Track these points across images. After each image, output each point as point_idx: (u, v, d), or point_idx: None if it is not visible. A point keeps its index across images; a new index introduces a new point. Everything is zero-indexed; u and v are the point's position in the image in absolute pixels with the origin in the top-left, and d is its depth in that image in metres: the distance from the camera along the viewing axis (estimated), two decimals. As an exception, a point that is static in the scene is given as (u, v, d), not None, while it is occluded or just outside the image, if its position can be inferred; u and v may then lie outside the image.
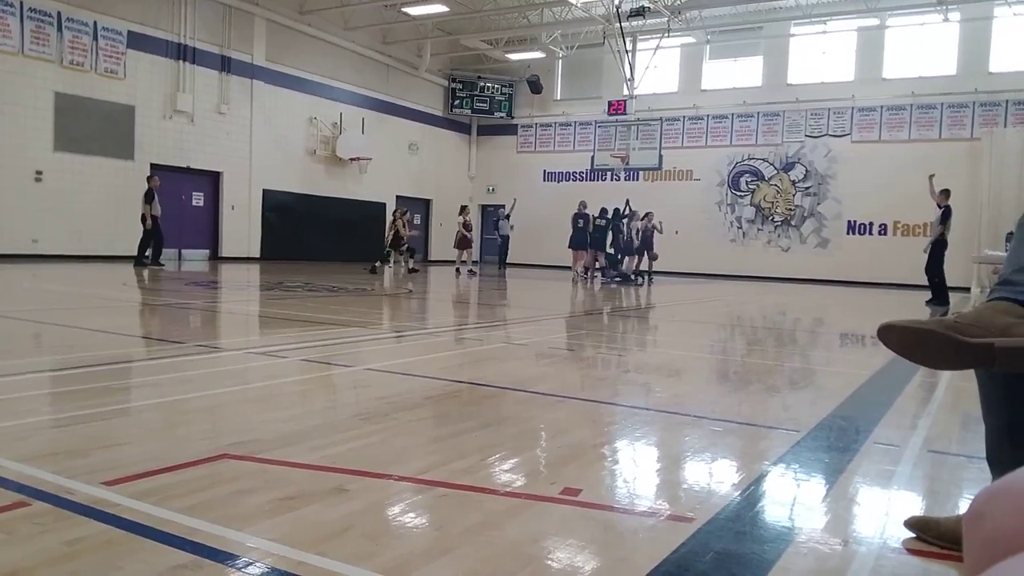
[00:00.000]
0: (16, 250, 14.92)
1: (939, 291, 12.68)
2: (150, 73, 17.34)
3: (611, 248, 18.52)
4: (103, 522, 1.93)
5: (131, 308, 8.18)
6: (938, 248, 12.73)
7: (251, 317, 7.98)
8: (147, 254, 15.14)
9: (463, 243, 18.88)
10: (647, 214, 18.44)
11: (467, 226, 18.90)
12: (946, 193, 12.86)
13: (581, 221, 17.63)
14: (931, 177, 13.11)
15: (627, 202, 18.72)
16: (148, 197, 15.13)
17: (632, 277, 17.69)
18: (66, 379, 4.01)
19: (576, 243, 17.70)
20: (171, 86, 17.85)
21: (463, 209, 19.46)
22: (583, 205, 18.01)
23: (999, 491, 0.78)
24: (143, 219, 15.09)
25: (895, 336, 1.72)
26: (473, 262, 19.58)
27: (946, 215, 12.74)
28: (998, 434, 1.89)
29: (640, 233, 17.98)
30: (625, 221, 18.21)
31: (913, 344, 1.70)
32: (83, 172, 16.13)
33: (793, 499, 2.44)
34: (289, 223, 20.68)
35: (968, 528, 0.80)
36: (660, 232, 18.45)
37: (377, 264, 17.33)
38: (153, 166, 17.45)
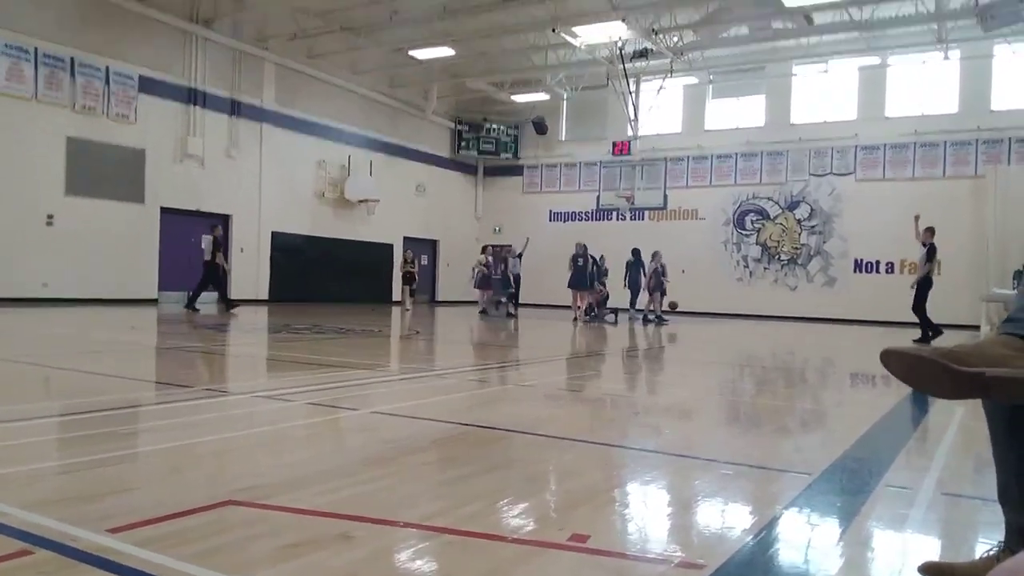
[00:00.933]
0: (26, 294, 15.00)
1: (923, 327, 12.76)
2: (161, 117, 17.59)
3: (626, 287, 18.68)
4: (107, 570, 1.91)
5: (140, 352, 8.19)
6: (924, 286, 12.74)
7: (258, 360, 7.97)
8: (230, 297, 15.93)
9: (484, 283, 18.86)
10: (655, 253, 18.46)
11: (488, 266, 18.91)
12: (930, 231, 12.92)
13: (580, 261, 17.63)
14: (916, 217, 13.12)
15: (601, 257, 19.00)
16: (216, 245, 15.74)
17: (654, 318, 17.55)
18: (73, 424, 4.00)
19: (576, 283, 17.69)
20: (181, 130, 18.09)
21: (485, 249, 19.52)
22: (580, 246, 17.94)
23: (1016, 574, 0.75)
24: (217, 267, 15.69)
25: (894, 361, 1.79)
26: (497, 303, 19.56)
27: (931, 253, 12.76)
28: (1007, 469, 1.88)
29: (655, 273, 17.95)
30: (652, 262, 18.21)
31: (910, 370, 1.76)
32: (94, 216, 16.27)
33: (805, 544, 2.40)
34: (297, 265, 20.78)
35: None
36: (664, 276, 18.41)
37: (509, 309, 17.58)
38: (163, 209, 17.64)
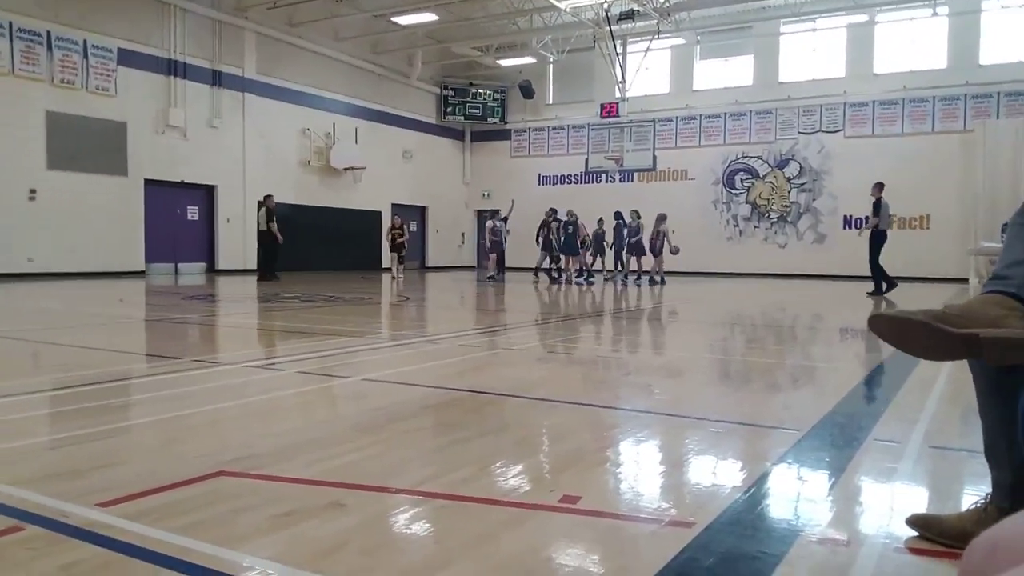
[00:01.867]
0: (11, 269, 14.90)
1: (876, 280, 13.24)
2: (141, 89, 17.35)
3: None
4: (98, 545, 1.91)
5: (127, 324, 8.15)
6: (875, 239, 13.14)
7: (248, 330, 7.95)
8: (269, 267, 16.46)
9: (495, 249, 18.73)
10: (629, 212, 18.49)
11: (496, 232, 18.65)
12: (879, 186, 13.28)
13: (571, 227, 17.90)
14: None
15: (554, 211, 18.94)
16: (270, 216, 16.32)
17: (659, 278, 17.62)
18: (62, 399, 3.99)
19: (567, 248, 18.03)
20: (163, 101, 17.85)
21: (495, 214, 19.22)
22: (571, 213, 18.23)
23: (997, 546, 0.74)
24: (267, 236, 16.33)
25: (884, 326, 1.76)
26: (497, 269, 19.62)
27: (875, 208, 13.14)
28: (993, 429, 1.89)
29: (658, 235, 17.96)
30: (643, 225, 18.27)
31: (901, 334, 1.73)
32: (77, 189, 16.12)
33: (794, 500, 2.42)
34: (284, 234, 20.57)
35: None
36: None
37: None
38: (147, 182, 17.48)
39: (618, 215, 19.02)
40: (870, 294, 13.17)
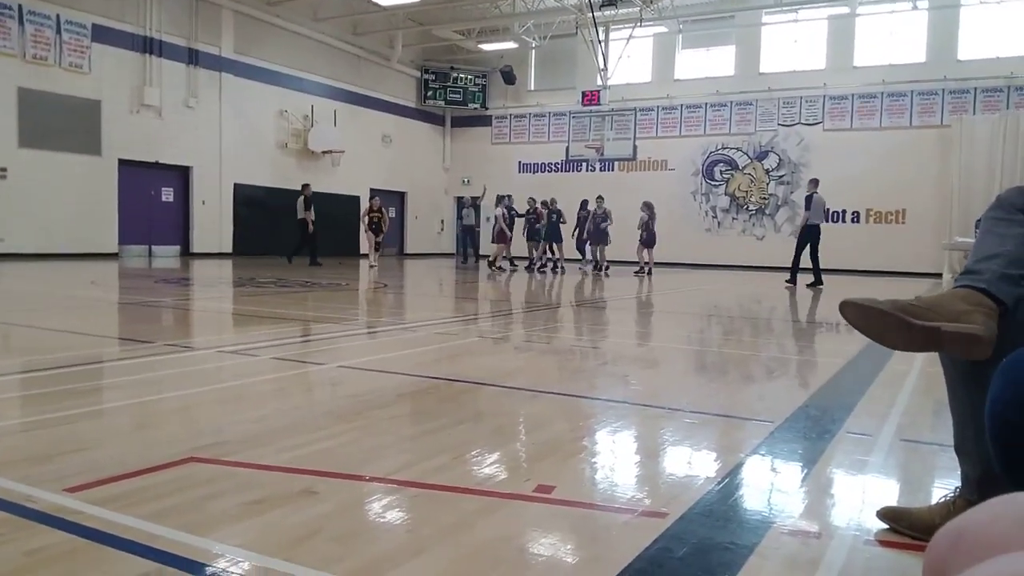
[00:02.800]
0: (-18, 249, 14.65)
1: (792, 273, 13.66)
2: (116, 67, 17.04)
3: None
4: (65, 531, 1.88)
5: (100, 307, 8.04)
6: (804, 233, 13.57)
7: (222, 315, 7.88)
8: (297, 253, 16.94)
9: (501, 237, 18.06)
10: (597, 206, 18.35)
11: (506, 219, 17.94)
12: (813, 182, 13.74)
13: (555, 216, 17.97)
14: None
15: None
16: (307, 204, 16.77)
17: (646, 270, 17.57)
18: (31, 382, 3.93)
19: (552, 236, 18.17)
20: (138, 80, 17.55)
21: (500, 199, 18.48)
22: (554, 201, 18.28)
23: (960, 536, 0.74)
24: (304, 224, 16.78)
25: (851, 312, 1.79)
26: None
27: (807, 203, 13.55)
28: (962, 422, 1.91)
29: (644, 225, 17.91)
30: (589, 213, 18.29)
31: (867, 321, 1.76)
32: (49, 169, 15.82)
33: (767, 491, 2.44)
34: (261, 218, 20.41)
35: None
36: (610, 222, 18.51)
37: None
38: (121, 161, 17.21)
39: (584, 204, 18.95)
40: (810, 285, 13.51)
